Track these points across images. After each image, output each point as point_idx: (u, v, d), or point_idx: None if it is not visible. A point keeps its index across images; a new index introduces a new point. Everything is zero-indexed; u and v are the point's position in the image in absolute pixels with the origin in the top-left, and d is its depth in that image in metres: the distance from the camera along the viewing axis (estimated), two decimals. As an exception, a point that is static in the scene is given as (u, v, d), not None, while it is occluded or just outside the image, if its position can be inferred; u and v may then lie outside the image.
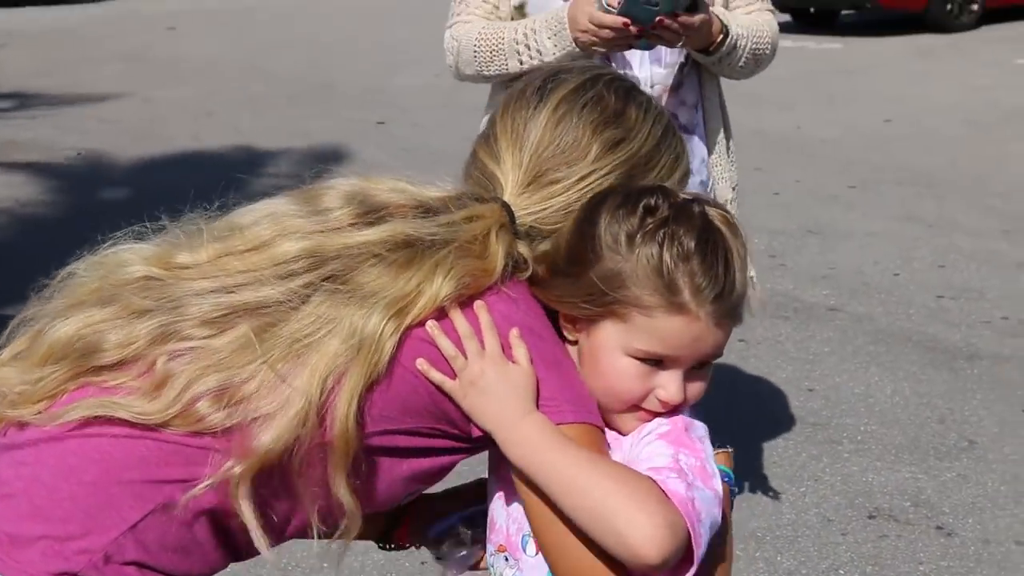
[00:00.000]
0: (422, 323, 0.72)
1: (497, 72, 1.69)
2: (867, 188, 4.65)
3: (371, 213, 0.77)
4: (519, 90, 0.88)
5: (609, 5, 1.51)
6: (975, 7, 9.62)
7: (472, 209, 0.79)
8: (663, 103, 1.65)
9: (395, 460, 0.74)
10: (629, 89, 0.89)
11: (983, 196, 4.84)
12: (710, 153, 1.83)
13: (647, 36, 1.53)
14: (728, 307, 0.78)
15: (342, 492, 0.68)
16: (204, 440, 0.68)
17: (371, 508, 0.75)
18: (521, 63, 1.64)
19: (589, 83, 0.86)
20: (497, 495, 0.88)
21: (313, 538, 0.71)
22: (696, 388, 0.80)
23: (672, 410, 0.75)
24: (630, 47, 1.60)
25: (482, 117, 1.65)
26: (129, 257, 0.78)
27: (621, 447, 0.82)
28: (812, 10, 10.04)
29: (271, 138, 5.62)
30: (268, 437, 0.67)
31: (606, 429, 0.81)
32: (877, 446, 2.44)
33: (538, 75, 0.90)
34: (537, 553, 0.82)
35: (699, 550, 0.69)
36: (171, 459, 0.69)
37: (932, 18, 9.46)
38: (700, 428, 0.82)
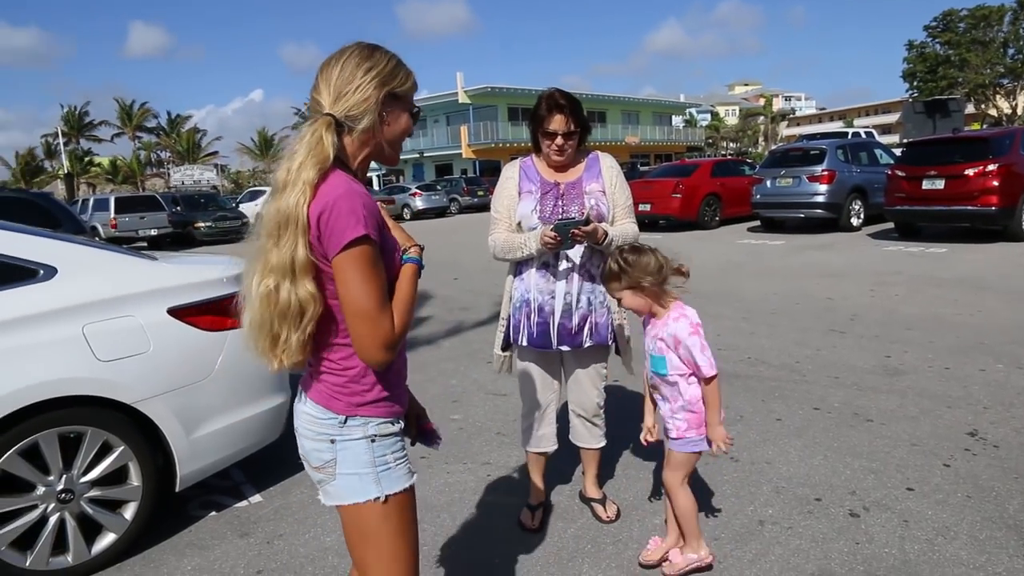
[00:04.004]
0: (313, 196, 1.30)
1: (511, 257, 2.73)
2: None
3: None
4: (325, 62, 1.41)
5: (553, 229, 2.51)
6: (717, 218, 15.73)
7: (308, 130, 1.34)
8: (582, 266, 2.69)
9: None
10: (375, 48, 1.41)
11: (732, 301, 7.41)
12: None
13: (570, 241, 2.52)
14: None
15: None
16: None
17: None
18: (521, 253, 2.66)
19: (360, 49, 1.41)
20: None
21: None
22: None
23: None
24: (565, 247, 2.58)
25: (506, 276, 2.84)
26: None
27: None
28: (662, 222, 15.70)
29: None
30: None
31: None
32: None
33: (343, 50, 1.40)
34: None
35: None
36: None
37: (699, 222, 15.39)
38: None
